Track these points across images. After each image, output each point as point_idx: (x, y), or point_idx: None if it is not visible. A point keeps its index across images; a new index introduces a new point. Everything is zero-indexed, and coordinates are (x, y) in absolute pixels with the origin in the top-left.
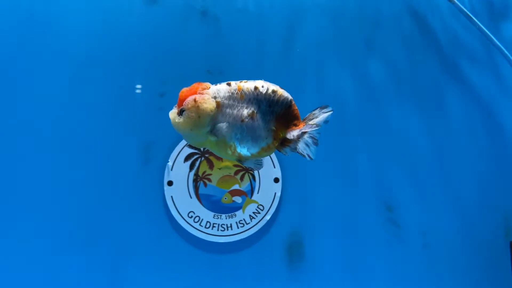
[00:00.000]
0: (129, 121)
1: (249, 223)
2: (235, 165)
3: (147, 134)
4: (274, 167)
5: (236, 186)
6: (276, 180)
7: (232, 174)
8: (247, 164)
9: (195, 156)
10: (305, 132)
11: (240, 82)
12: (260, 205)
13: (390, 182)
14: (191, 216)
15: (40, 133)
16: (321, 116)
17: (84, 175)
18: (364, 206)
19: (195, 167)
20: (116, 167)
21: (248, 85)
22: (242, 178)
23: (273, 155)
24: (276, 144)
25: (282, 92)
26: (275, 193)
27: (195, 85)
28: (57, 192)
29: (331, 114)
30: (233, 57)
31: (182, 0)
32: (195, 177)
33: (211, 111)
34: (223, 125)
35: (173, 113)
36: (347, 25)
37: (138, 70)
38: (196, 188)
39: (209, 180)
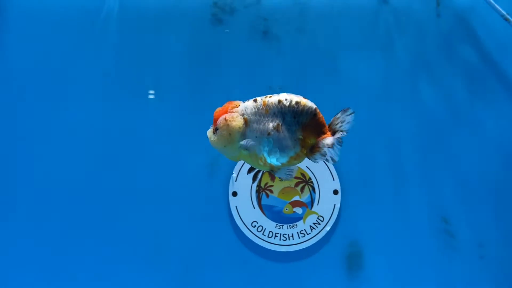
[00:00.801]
0: (197, 137)
1: (309, 233)
2: (296, 177)
3: (213, 148)
4: (334, 180)
5: (297, 198)
6: (335, 192)
7: (293, 185)
8: (278, 175)
9: (258, 169)
10: (339, 139)
11: (265, 97)
12: (320, 216)
13: (444, 194)
14: (255, 226)
15: (111, 145)
16: (346, 119)
17: (152, 187)
18: (420, 217)
19: (258, 179)
20: (184, 179)
21: (272, 99)
22: (302, 190)
23: (332, 168)
24: (305, 152)
25: (305, 102)
26: (335, 204)
27: (226, 104)
28: (125, 204)
29: (354, 115)
30: (292, 73)
31: (247, 21)
32: (257, 188)
33: (240, 128)
34: (248, 141)
35: (210, 132)
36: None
37: (204, 86)
38: (259, 199)
39: (271, 191)
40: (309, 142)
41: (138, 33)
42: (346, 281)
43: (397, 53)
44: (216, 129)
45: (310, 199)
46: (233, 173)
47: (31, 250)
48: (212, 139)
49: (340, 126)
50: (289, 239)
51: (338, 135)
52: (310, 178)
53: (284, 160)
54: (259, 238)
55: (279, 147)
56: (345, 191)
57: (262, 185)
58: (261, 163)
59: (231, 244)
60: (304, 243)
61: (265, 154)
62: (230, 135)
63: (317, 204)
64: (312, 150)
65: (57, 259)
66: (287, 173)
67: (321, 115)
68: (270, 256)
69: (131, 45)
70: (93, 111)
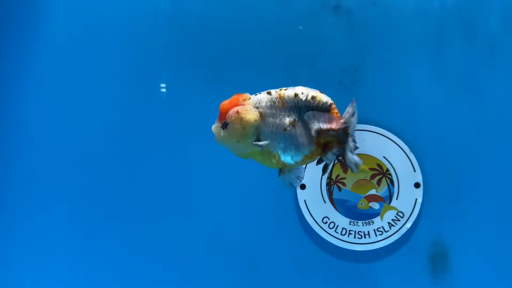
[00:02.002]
0: None
1: (388, 231)
2: (371, 169)
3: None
4: (415, 171)
5: (373, 191)
6: (417, 185)
7: (368, 178)
8: (284, 180)
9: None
10: (346, 128)
11: (280, 90)
12: (400, 212)
13: None
14: (326, 222)
15: (179, 141)
16: (351, 110)
17: (214, 182)
18: None
19: (328, 170)
20: (248, 172)
21: (289, 92)
22: (379, 183)
23: (413, 158)
24: (320, 151)
25: (321, 97)
26: (416, 199)
27: (235, 96)
28: (192, 199)
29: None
30: (368, 53)
31: None
32: (328, 180)
33: (255, 121)
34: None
35: (216, 127)
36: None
37: (269, 68)
38: (330, 193)
39: (344, 184)
40: (322, 139)
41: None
42: (429, 285)
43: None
44: (225, 124)
45: (388, 193)
46: None
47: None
48: (221, 135)
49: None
50: (364, 237)
51: (343, 120)
52: (388, 170)
53: (298, 158)
54: (331, 235)
55: (295, 144)
56: (428, 184)
57: (334, 177)
58: (274, 161)
59: (300, 242)
60: (382, 241)
61: (280, 152)
62: (244, 129)
63: (396, 199)
64: (325, 148)
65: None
66: (297, 175)
67: (337, 110)
68: (343, 255)
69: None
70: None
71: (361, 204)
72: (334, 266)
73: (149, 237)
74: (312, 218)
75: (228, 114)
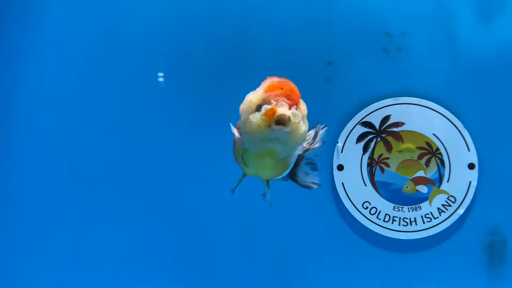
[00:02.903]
0: None
1: (437, 217)
2: (419, 147)
3: (313, 110)
4: (469, 150)
5: (421, 173)
6: (471, 166)
7: (415, 158)
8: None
9: (370, 136)
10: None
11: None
12: (451, 196)
13: None
14: (367, 207)
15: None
16: (313, 135)
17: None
18: None
19: (370, 149)
20: None
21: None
22: (428, 164)
23: (467, 136)
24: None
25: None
26: (470, 182)
27: (286, 80)
28: (212, 182)
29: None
30: (412, 15)
31: None
32: (369, 161)
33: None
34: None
35: (289, 112)
36: None
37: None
38: (371, 174)
39: (387, 165)
40: None
41: None
42: (485, 278)
43: None
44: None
45: (438, 175)
46: (338, 142)
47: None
48: (300, 124)
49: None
50: (411, 224)
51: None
52: (438, 149)
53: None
54: (372, 222)
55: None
56: (484, 165)
57: (376, 157)
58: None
59: (337, 228)
60: (431, 229)
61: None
62: (301, 137)
63: (447, 182)
64: None
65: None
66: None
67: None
68: (386, 244)
69: None
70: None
71: (407, 187)
72: (375, 257)
73: (169, 228)
74: (351, 203)
75: (302, 106)
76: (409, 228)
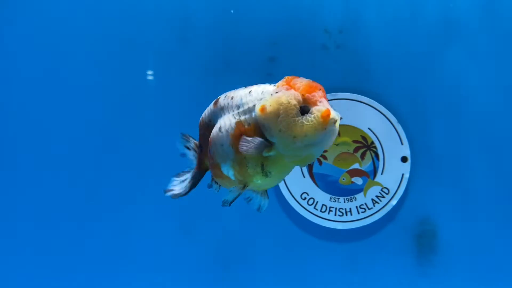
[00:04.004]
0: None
1: (371, 208)
2: (355, 141)
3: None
4: (402, 144)
5: (356, 166)
6: (404, 159)
7: (352, 151)
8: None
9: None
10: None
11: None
12: (385, 187)
13: None
14: (305, 198)
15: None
16: None
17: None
18: None
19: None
20: None
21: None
22: (363, 156)
23: (401, 130)
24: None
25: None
26: (403, 174)
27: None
28: (151, 176)
29: None
30: (355, 15)
31: None
32: None
33: None
34: None
35: (338, 114)
36: None
37: None
38: (309, 166)
39: (325, 157)
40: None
41: None
42: (416, 266)
43: None
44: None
45: (372, 167)
46: None
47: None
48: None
49: None
50: (346, 215)
51: None
52: (372, 142)
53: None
54: (310, 212)
55: None
56: (416, 158)
57: None
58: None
59: (277, 219)
60: (365, 219)
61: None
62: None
63: (381, 174)
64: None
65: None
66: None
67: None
68: (323, 234)
69: None
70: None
71: (343, 179)
72: (313, 246)
73: (117, 221)
74: (290, 194)
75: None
76: (345, 218)
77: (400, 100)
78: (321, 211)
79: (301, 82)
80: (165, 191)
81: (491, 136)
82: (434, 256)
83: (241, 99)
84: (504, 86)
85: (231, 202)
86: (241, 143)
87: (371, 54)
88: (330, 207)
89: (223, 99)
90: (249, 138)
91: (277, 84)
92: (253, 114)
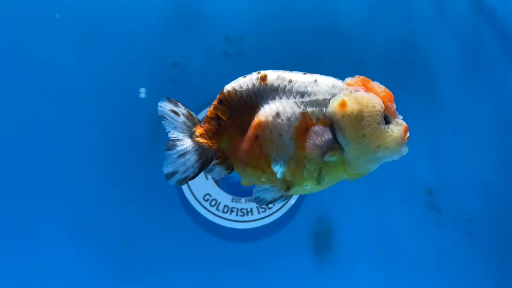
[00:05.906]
0: (138, 97)
1: (271, 207)
2: None
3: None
4: None
5: None
6: None
7: None
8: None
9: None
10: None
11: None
12: None
13: (431, 162)
14: (207, 200)
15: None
16: None
17: (93, 155)
18: (401, 189)
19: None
20: (123, 144)
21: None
22: None
23: None
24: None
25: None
26: None
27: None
28: (57, 175)
29: None
30: (256, 23)
31: None
32: None
33: None
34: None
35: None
36: None
37: None
38: None
39: None
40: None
41: None
42: (313, 263)
43: None
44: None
45: None
46: None
47: None
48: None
49: None
50: (247, 215)
51: None
52: None
53: None
54: (213, 213)
55: None
56: None
57: None
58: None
59: (180, 221)
60: (265, 219)
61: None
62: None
63: None
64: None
65: None
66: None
67: None
68: (225, 234)
69: None
70: None
71: (245, 180)
72: (216, 246)
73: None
74: (193, 196)
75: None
76: (246, 218)
77: None
78: (223, 211)
79: (380, 88)
80: (167, 176)
81: None
82: (330, 253)
83: (306, 87)
84: None
85: (269, 203)
86: (311, 134)
87: (271, 60)
88: (232, 208)
89: (275, 79)
90: (319, 130)
91: (346, 81)
92: (325, 109)
